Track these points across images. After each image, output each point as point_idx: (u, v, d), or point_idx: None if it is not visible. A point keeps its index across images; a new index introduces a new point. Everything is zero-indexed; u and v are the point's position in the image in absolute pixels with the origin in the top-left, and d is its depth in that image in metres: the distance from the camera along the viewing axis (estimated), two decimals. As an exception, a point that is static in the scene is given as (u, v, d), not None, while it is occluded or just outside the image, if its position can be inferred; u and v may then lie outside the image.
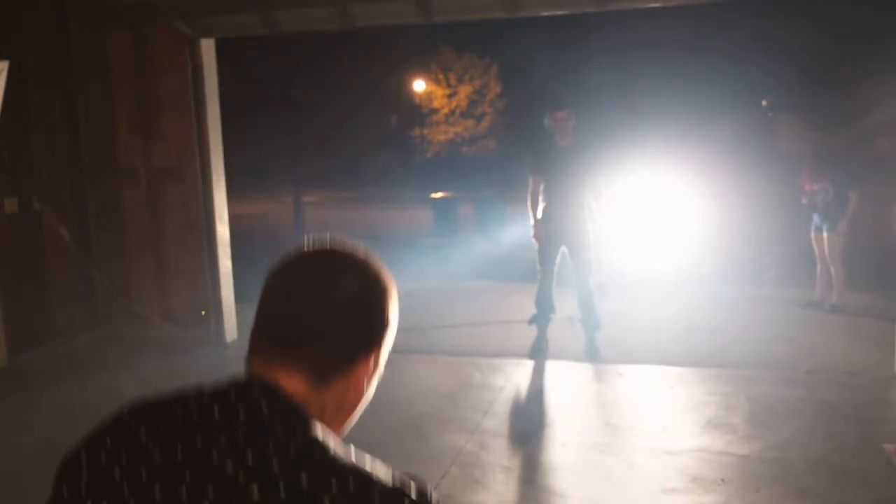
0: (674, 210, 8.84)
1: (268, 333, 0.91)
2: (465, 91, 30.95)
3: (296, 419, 0.83)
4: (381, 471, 0.81)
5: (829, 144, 6.91)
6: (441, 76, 31.02)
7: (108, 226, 6.52)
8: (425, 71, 30.66)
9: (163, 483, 0.79)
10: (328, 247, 0.96)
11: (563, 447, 3.95)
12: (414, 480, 0.82)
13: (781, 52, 16.36)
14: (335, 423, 0.90)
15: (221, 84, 6.30)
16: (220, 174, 6.13)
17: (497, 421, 4.35)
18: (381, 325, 0.93)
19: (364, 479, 0.79)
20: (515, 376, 5.15)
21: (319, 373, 0.88)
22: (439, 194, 14.69)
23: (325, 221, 18.22)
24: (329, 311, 0.89)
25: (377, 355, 0.94)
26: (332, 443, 0.82)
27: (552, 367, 5.39)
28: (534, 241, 5.64)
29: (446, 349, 5.91)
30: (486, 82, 30.84)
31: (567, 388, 4.99)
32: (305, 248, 0.95)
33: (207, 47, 6.01)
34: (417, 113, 31.50)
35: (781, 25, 16.50)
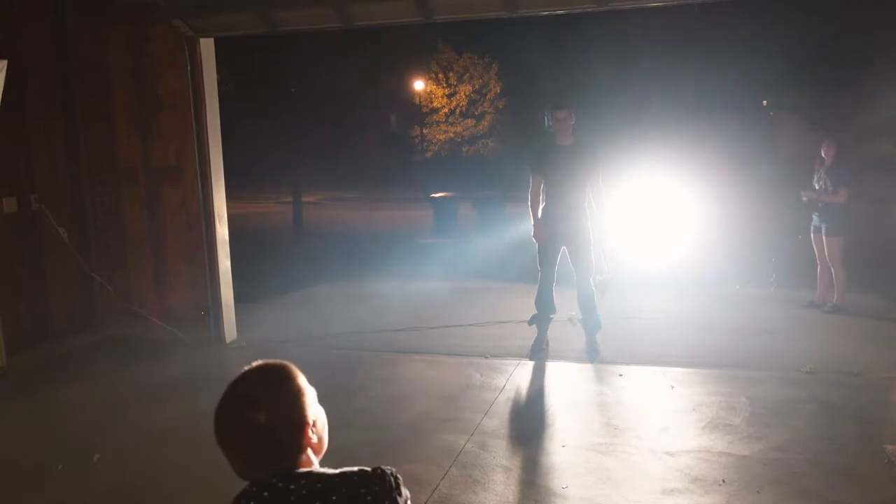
0: (674, 210, 8.81)
1: (240, 465, 1.33)
2: (465, 91, 30.92)
3: (307, 475, 1.32)
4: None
5: (830, 142, 6.84)
6: (441, 75, 31.01)
7: (108, 226, 6.51)
8: (425, 71, 30.66)
9: None
10: (238, 392, 1.33)
11: (563, 448, 3.93)
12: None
13: (782, 52, 16.36)
14: (312, 464, 1.37)
15: (221, 84, 6.29)
16: (220, 174, 6.11)
17: (497, 421, 4.33)
18: (297, 422, 1.32)
19: (344, 473, 1.32)
20: (515, 376, 5.14)
21: (287, 464, 1.33)
22: (439, 194, 14.64)
23: (324, 221, 18.21)
24: (258, 440, 1.30)
25: (309, 429, 1.34)
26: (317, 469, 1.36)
27: (552, 368, 5.38)
28: (534, 241, 5.64)
29: (446, 349, 5.90)
30: (486, 82, 30.82)
31: (567, 389, 4.98)
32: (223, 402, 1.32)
33: (206, 46, 5.99)
34: (417, 113, 31.49)
35: (782, 25, 16.49)
